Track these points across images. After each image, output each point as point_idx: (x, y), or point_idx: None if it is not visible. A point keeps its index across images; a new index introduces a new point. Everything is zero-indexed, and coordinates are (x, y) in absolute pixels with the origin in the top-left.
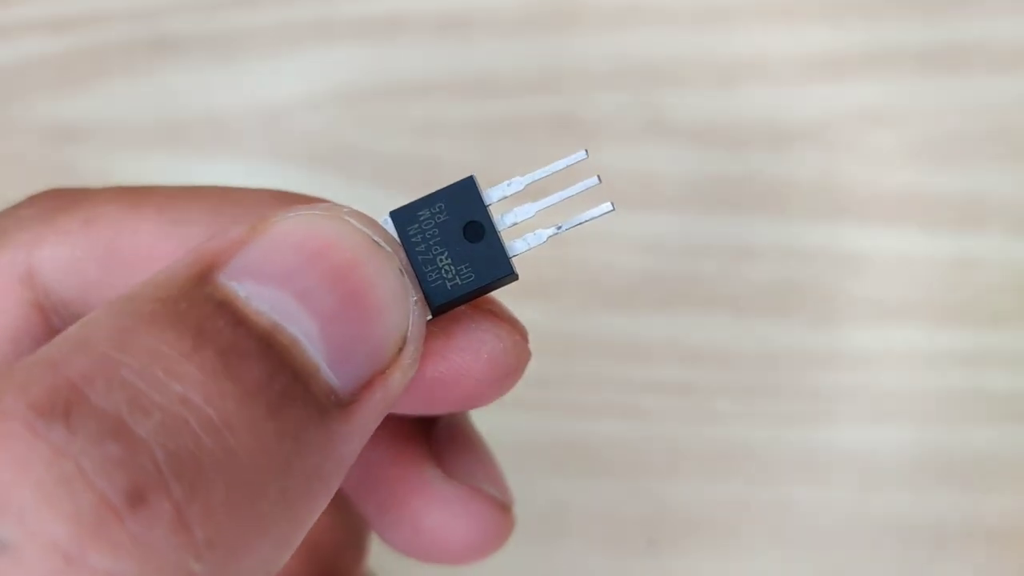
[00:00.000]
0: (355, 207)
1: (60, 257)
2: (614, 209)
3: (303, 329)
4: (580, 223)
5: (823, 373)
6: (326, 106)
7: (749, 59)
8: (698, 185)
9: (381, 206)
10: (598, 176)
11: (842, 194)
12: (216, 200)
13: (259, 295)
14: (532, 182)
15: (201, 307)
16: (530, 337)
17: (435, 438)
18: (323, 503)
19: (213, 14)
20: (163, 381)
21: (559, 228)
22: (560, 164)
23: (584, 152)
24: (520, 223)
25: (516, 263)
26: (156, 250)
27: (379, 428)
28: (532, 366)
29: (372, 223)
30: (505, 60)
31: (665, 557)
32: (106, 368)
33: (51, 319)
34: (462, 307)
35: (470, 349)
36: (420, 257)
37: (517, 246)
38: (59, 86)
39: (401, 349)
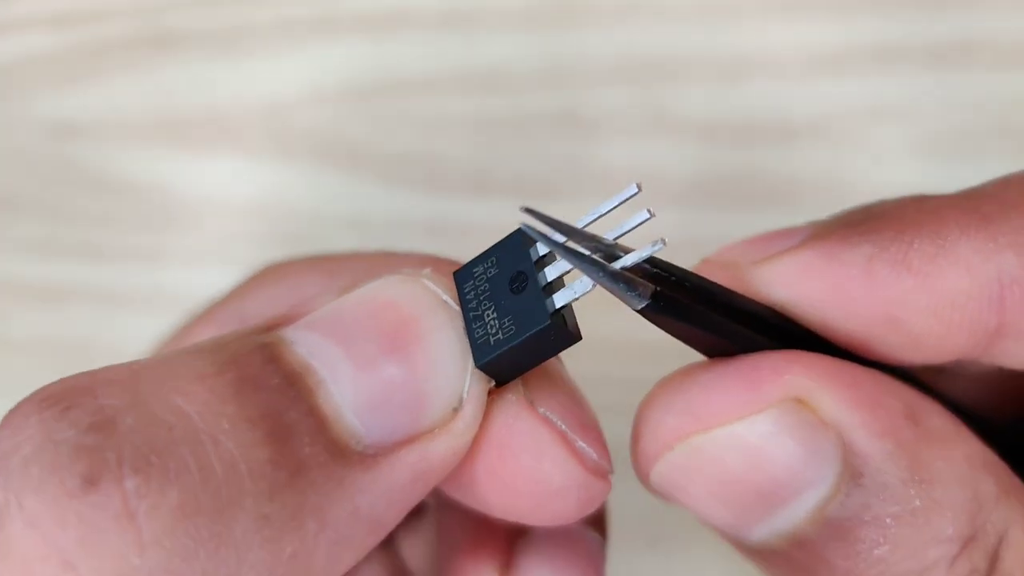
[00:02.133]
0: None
1: (258, 306)
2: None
3: (335, 373)
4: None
5: None
6: (328, 102)
7: (753, 55)
8: (702, 181)
9: (383, 202)
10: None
11: (847, 190)
12: (372, 260)
13: (304, 340)
14: (586, 226)
15: (244, 343)
16: None
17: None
18: (335, 554)
19: (214, 10)
20: (166, 394)
21: (604, 272)
22: (613, 202)
23: (636, 186)
24: (569, 272)
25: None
26: (313, 295)
27: (460, 520)
28: None
29: (448, 285)
30: (509, 56)
31: (666, 556)
32: (127, 378)
33: None
34: (512, 395)
35: (507, 452)
36: (471, 314)
37: (559, 297)
38: (61, 82)
39: (456, 410)
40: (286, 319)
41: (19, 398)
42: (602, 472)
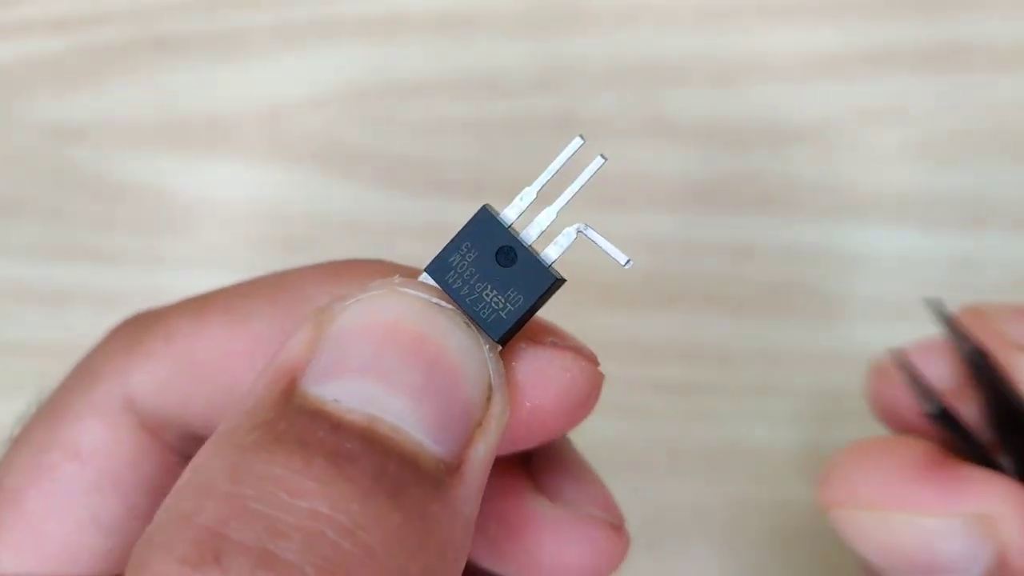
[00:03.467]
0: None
1: (150, 380)
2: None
3: (397, 413)
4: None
5: (823, 373)
6: (327, 105)
7: (749, 58)
8: (698, 184)
9: (381, 205)
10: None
11: (843, 193)
12: (271, 289)
13: (346, 393)
14: (542, 187)
15: (298, 422)
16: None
17: (535, 467)
18: (462, 564)
19: (214, 13)
20: (289, 502)
21: (585, 226)
22: (561, 159)
23: (580, 138)
24: (546, 231)
25: (557, 266)
26: (229, 351)
27: None
28: None
29: (427, 287)
30: (506, 59)
31: (666, 557)
32: (234, 506)
33: (161, 438)
34: (522, 343)
35: (538, 387)
36: (468, 299)
37: (551, 253)
38: (61, 85)
39: (489, 398)
40: (294, 373)
41: (18, 399)
42: (597, 361)
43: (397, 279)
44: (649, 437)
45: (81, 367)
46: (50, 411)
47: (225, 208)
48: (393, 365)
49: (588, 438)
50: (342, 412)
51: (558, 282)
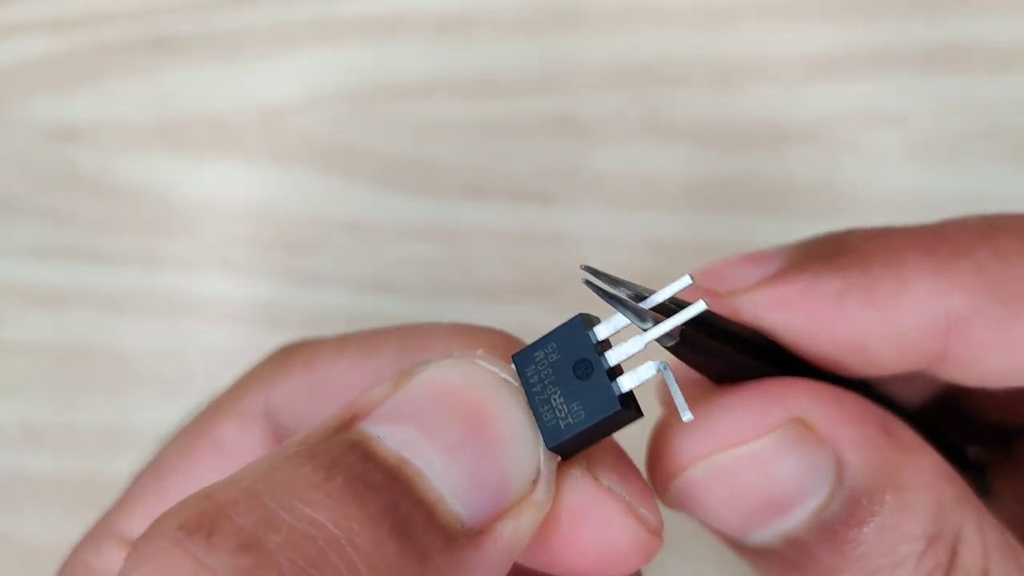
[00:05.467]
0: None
1: (287, 395)
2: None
3: (428, 462)
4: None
5: None
6: (325, 106)
7: (749, 59)
8: (698, 185)
9: (380, 206)
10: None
11: (842, 194)
12: (401, 337)
13: (391, 434)
14: (651, 340)
15: (337, 446)
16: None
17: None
18: None
19: (212, 14)
20: (295, 506)
21: (666, 366)
22: (666, 293)
23: (689, 277)
24: (633, 356)
25: (640, 400)
26: (353, 381)
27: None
28: None
29: (502, 365)
30: (505, 60)
31: (665, 557)
32: (249, 496)
33: None
34: (577, 470)
35: (575, 523)
36: (536, 397)
37: (625, 382)
38: (59, 85)
39: (535, 482)
40: (357, 413)
41: (18, 400)
42: (659, 531)
43: (480, 352)
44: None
45: (238, 379)
46: (206, 412)
47: (224, 209)
48: (441, 420)
49: None
50: (378, 446)
51: (624, 412)
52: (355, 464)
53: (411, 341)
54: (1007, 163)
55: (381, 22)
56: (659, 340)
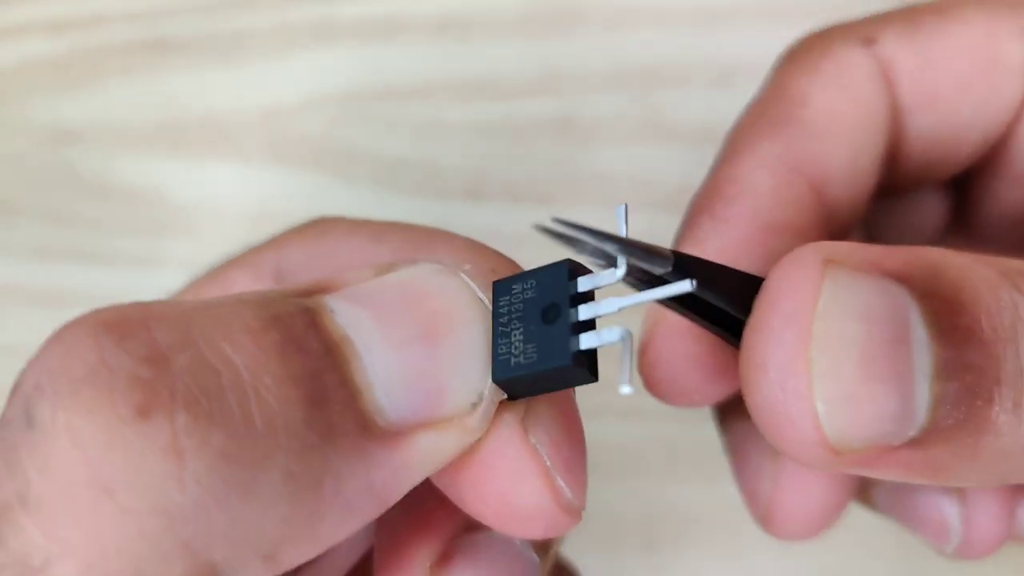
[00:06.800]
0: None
1: (297, 259)
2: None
3: (370, 349)
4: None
5: None
6: (325, 108)
7: (747, 60)
8: (697, 186)
9: (379, 207)
10: (691, 282)
11: None
12: (416, 235)
13: (345, 312)
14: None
15: (288, 305)
16: None
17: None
18: (340, 521)
19: (212, 16)
20: (215, 340)
21: (631, 335)
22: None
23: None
24: (602, 316)
25: (600, 363)
26: (357, 260)
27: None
28: None
29: (484, 286)
30: (504, 62)
31: (664, 557)
32: (179, 317)
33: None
34: (506, 430)
35: (489, 469)
36: (500, 328)
37: (585, 339)
38: (59, 87)
39: (474, 406)
40: (327, 286)
41: None
42: (574, 511)
43: (468, 267)
44: (648, 437)
45: (257, 242)
46: (222, 263)
47: (223, 210)
48: (399, 315)
49: (588, 439)
50: (326, 318)
51: (574, 369)
52: (296, 326)
53: (421, 241)
54: None
55: (380, 24)
56: (652, 269)
